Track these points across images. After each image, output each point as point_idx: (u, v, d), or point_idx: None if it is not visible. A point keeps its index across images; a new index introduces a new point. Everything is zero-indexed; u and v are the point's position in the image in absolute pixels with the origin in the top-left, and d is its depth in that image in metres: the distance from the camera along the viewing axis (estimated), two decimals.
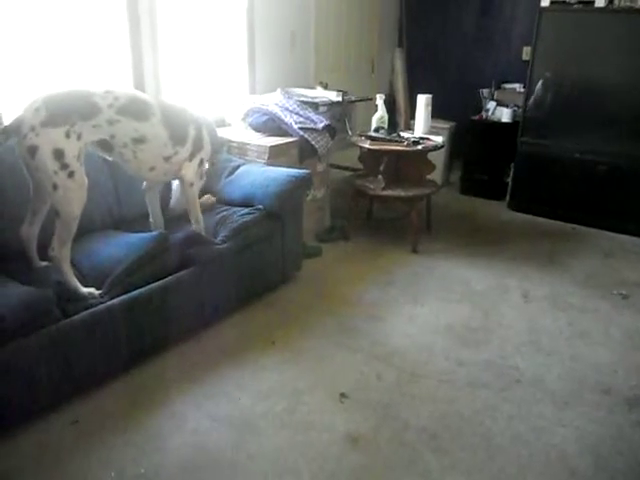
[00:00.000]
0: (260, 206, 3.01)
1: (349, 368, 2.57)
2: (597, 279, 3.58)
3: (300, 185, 3.13)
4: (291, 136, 3.58)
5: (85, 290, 2.27)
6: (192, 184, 2.73)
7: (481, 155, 5.17)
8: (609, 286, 3.47)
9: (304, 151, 3.60)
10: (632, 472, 2.02)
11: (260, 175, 3.15)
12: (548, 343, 2.84)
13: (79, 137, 2.21)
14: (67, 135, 2.16)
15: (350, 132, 4.05)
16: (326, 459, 2.02)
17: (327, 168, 3.96)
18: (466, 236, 4.24)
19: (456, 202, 5.08)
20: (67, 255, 2.27)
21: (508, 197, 4.97)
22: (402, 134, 3.97)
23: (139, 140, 2.42)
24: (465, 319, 3.03)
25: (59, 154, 2.15)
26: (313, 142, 3.60)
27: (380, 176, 3.85)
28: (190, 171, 2.70)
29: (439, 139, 3.96)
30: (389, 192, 3.81)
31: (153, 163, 2.54)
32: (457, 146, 5.40)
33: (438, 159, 4.83)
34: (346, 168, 4.38)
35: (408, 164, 3.98)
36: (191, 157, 2.69)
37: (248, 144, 3.46)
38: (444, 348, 2.76)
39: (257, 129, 3.66)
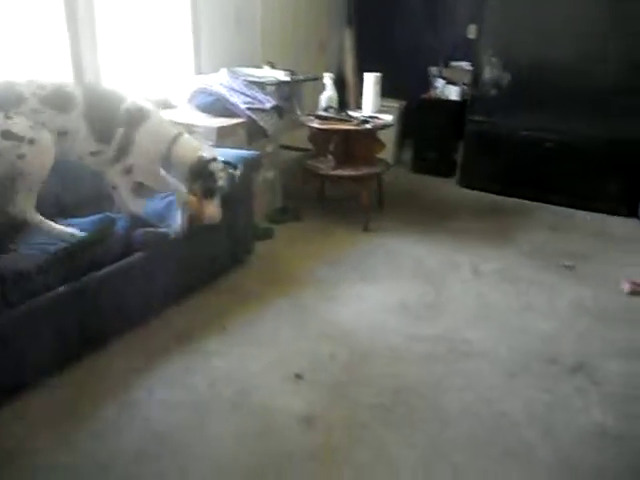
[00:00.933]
0: None
1: (303, 349, 2.56)
2: (544, 252, 3.68)
3: (250, 166, 3.08)
4: (239, 117, 3.51)
5: (69, 230, 2.37)
6: (115, 187, 2.58)
7: (431, 133, 5.20)
8: (556, 259, 3.57)
9: (252, 132, 3.54)
10: (575, 437, 2.09)
11: None
12: (497, 316, 2.90)
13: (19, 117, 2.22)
14: (8, 117, 2.18)
15: (299, 112, 4.01)
16: (282, 440, 2.01)
17: (277, 149, 3.92)
18: (417, 214, 4.28)
19: (407, 181, 5.12)
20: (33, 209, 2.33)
21: (458, 175, 5.04)
22: (351, 113, 3.95)
23: (61, 132, 2.34)
24: (416, 295, 3.06)
25: (8, 134, 2.18)
26: (261, 122, 3.54)
27: (330, 156, 3.83)
28: (112, 175, 2.55)
29: (388, 118, 3.96)
30: (339, 172, 3.80)
31: (80, 153, 2.47)
32: (408, 125, 5.42)
33: (389, 138, 4.85)
34: (296, 149, 4.33)
35: (358, 143, 3.97)
36: (114, 161, 2.50)
37: (194, 126, 3.36)
38: (396, 325, 2.79)
39: (203, 110, 3.57)
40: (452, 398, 2.27)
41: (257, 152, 3.17)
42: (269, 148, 3.74)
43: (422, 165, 5.29)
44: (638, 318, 2.94)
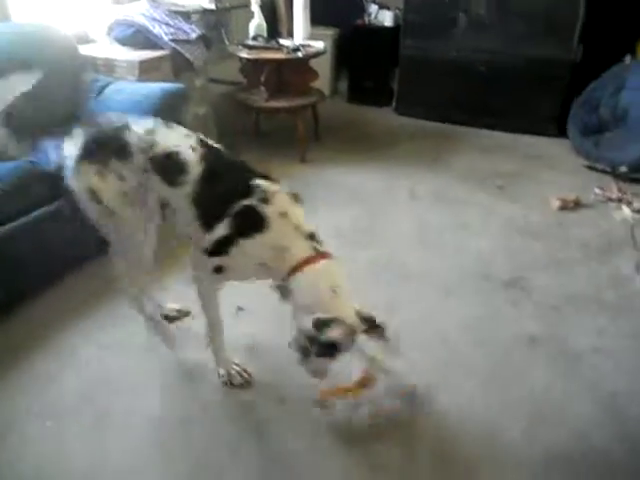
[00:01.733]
0: None
1: (243, 283, 2.55)
2: (476, 174, 3.76)
3: (176, 100, 2.94)
4: (162, 49, 3.34)
5: None
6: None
7: (366, 62, 5.09)
8: (487, 179, 3.66)
9: (178, 64, 3.38)
10: (507, 345, 2.22)
11: (131, 93, 2.91)
12: (433, 237, 2.97)
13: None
14: (100, 174, 1.81)
15: (227, 42, 3.84)
16: None
17: (206, 82, 3.76)
18: (354, 143, 4.27)
19: (344, 111, 5.06)
20: None
21: (394, 102, 5.01)
22: (282, 42, 3.82)
23: (164, 203, 1.86)
24: (353, 221, 3.09)
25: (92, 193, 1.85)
26: (187, 54, 3.38)
27: (263, 87, 3.72)
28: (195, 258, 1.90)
29: (320, 45, 3.85)
30: (273, 103, 3.71)
31: (184, 233, 1.92)
32: (343, 54, 5.29)
33: (324, 68, 4.74)
34: (227, 82, 4.19)
35: (290, 73, 3.86)
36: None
37: (115, 60, 3.19)
38: (335, 251, 2.77)
39: (124, 43, 3.37)
40: (389, 319, 2.31)
41: (182, 85, 3.02)
42: (198, 82, 3.59)
43: (359, 95, 5.21)
44: (567, 232, 3.07)
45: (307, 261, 1.69)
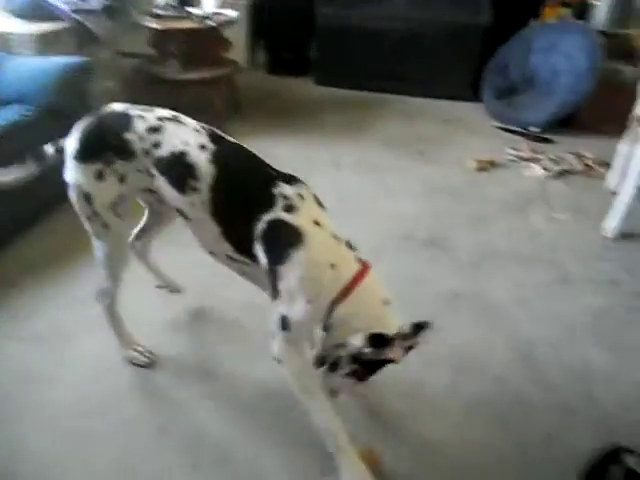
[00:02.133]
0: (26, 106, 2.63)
1: (168, 262, 2.48)
2: (398, 140, 3.82)
3: (79, 75, 2.78)
4: (63, 20, 3.14)
5: None
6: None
7: (283, 32, 5.02)
8: (408, 145, 3.72)
9: (82, 37, 3.20)
10: (430, 302, 2.28)
11: (29, 69, 2.73)
12: (357, 204, 3.00)
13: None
14: (100, 177, 1.64)
15: (133, 12, 3.65)
16: (155, 347, 1.99)
17: (114, 56, 3.58)
18: (276, 116, 4.21)
19: (264, 83, 4.97)
20: None
21: (314, 73, 4.96)
22: (191, 10, 3.68)
23: (179, 210, 1.64)
24: None
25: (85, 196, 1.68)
26: (90, 26, 3.20)
27: (174, 59, 3.58)
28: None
29: (233, 13, 3.75)
30: (186, 75, 3.59)
31: (216, 250, 1.70)
32: (259, 24, 5.16)
33: (240, 39, 4.62)
34: (137, 55, 3.99)
35: (203, 43, 3.73)
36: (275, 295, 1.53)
37: (10, 34, 2.97)
38: None
39: (19, 15, 3.13)
40: None
41: (85, 58, 2.85)
42: (103, 55, 3.40)
43: (278, 66, 5.14)
44: (484, 192, 3.18)
45: (357, 279, 1.48)
